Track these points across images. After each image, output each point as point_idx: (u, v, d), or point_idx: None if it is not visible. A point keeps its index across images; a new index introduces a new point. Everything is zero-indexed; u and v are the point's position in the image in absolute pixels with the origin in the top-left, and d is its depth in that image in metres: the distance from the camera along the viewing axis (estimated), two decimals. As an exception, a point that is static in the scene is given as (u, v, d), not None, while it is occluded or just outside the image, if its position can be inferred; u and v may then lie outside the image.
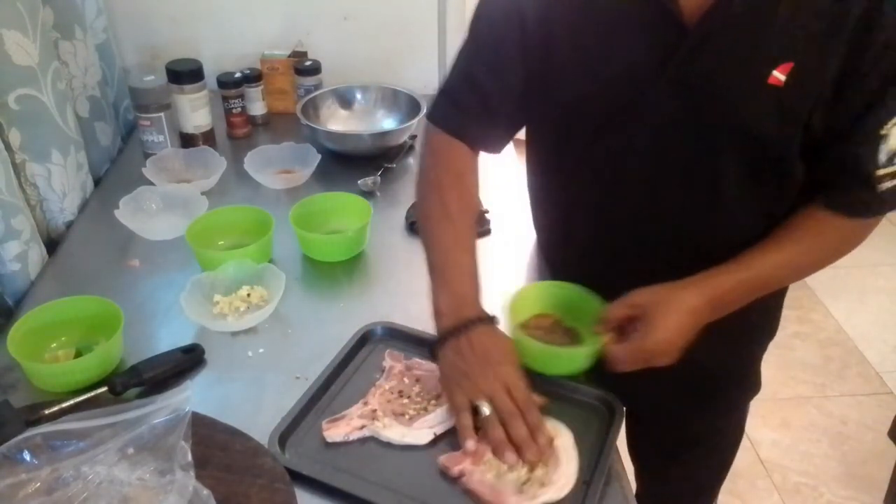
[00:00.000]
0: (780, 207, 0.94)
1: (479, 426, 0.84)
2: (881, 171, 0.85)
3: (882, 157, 0.84)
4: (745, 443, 2.15)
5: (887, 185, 0.85)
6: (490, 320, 0.90)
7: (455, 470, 0.81)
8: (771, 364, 2.38)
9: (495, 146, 1.03)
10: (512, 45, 0.92)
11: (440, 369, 0.90)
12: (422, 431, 0.86)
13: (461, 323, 0.87)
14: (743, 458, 2.12)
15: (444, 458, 0.82)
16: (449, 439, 0.86)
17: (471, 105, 0.98)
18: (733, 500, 2.00)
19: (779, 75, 0.81)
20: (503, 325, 0.93)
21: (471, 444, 0.82)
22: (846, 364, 2.46)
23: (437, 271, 0.93)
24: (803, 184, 0.93)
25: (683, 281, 0.89)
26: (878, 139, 0.83)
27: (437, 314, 0.90)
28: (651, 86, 0.86)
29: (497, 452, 0.82)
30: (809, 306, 2.68)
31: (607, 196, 0.99)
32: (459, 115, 0.99)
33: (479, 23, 0.96)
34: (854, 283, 2.79)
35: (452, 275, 0.92)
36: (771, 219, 0.94)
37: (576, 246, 1.10)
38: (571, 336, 0.98)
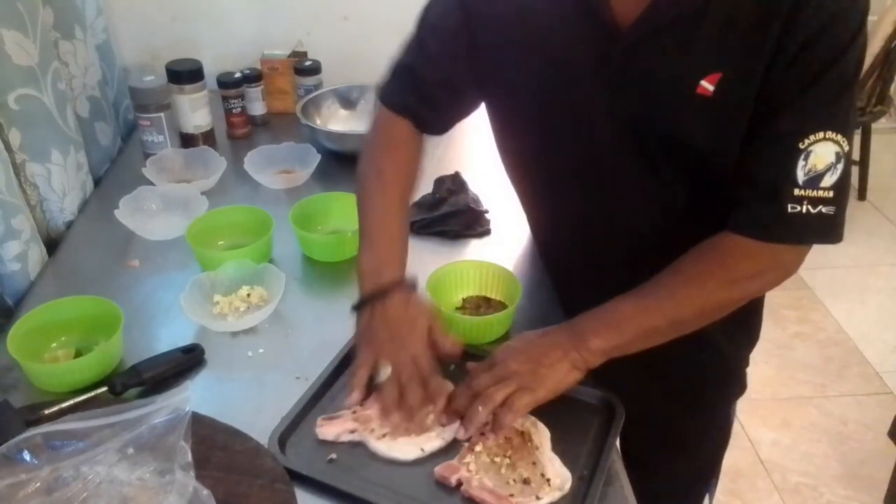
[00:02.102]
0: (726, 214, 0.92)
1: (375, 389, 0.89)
2: (799, 192, 0.79)
3: (800, 174, 0.79)
4: (745, 443, 2.16)
5: (803, 209, 0.79)
6: (408, 286, 0.92)
7: (453, 479, 0.80)
8: (771, 364, 2.41)
9: (435, 128, 1.04)
10: (454, 40, 0.95)
11: (356, 329, 0.93)
12: (409, 447, 0.85)
13: (380, 289, 0.90)
14: (743, 458, 2.12)
15: (439, 468, 0.82)
16: (437, 458, 0.84)
17: (409, 88, 1.01)
18: (733, 500, 2.00)
19: (707, 85, 0.81)
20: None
21: (355, 395, 0.88)
22: (846, 364, 2.46)
23: (364, 234, 0.96)
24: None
25: None
26: (796, 152, 0.79)
27: (360, 275, 0.93)
28: (587, 90, 0.87)
29: (385, 413, 0.86)
30: (809, 306, 2.68)
31: (559, 195, 1.01)
32: (400, 94, 1.02)
33: (426, 14, 0.99)
34: (854, 283, 2.79)
35: (378, 237, 0.95)
36: (720, 225, 0.92)
37: (546, 240, 1.14)
38: (496, 306, 1.08)
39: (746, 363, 1.18)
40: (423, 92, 1.00)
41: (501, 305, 1.07)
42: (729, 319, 0.90)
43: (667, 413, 1.16)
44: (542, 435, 0.85)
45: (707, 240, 0.87)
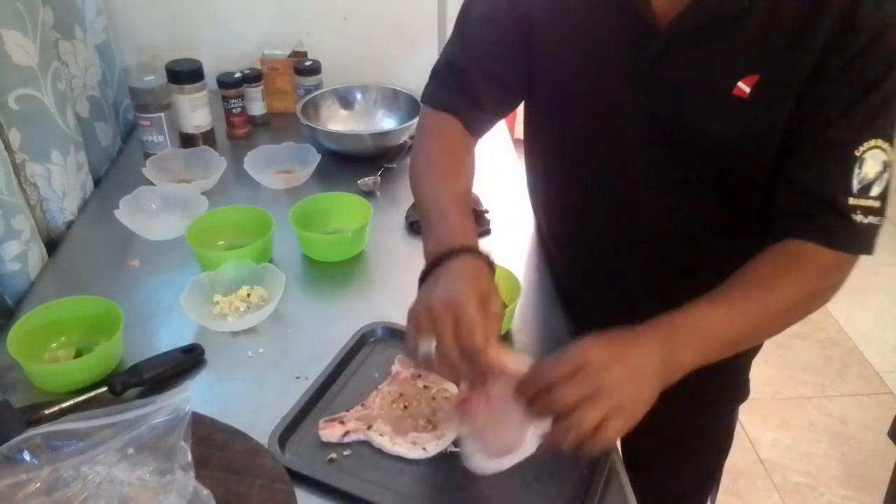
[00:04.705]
0: (755, 221, 0.91)
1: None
2: (853, 201, 0.78)
3: (854, 182, 0.78)
4: (745, 443, 2.16)
5: (857, 217, 0.79)
6: (481, 254, 0.79)
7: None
8: (771, 364, 2.41)
9: (478, 128, 1.00)
10: (499, 33, 0.94)
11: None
12: (413, 446, 0.85)
13: (443, 253, 0.77)
14: (743, 458, 2.12)
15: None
16: (441, 460, 0.84)
17: (455, 87, 0.98)
18: (733, 500, 2.00)
19: (744, 87, 0.80)
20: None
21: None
22: (846, 364, 2.46)
23: (425, 223, 0.86)
24: (770, 209, 0.86)
25: None
26: (853, 160, 0.78)
27: (426, 259, 0.81)
28: (622, 86, 0.87)
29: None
30: (809, 306, 2.67)
31: (583, 192, 1.01)
32: (446, 93, 0.99)
33: (468, 11, 0.98)
34: (854, 283, 2.74)
35: (442, 215, 0.85)
36: (746, 232, 0.91)
37: (567, 241, 1.12)
38: None
39: (748, 368, 1.18)
40: (470, 90, 0.97)
41: (501, 305, 1.06)
42: None
43: (668, 417, 1.16)
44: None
45: (777, 246, 0.83)
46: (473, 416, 0.76)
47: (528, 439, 0.75)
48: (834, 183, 0.79)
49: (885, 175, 0.79)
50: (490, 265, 0.80)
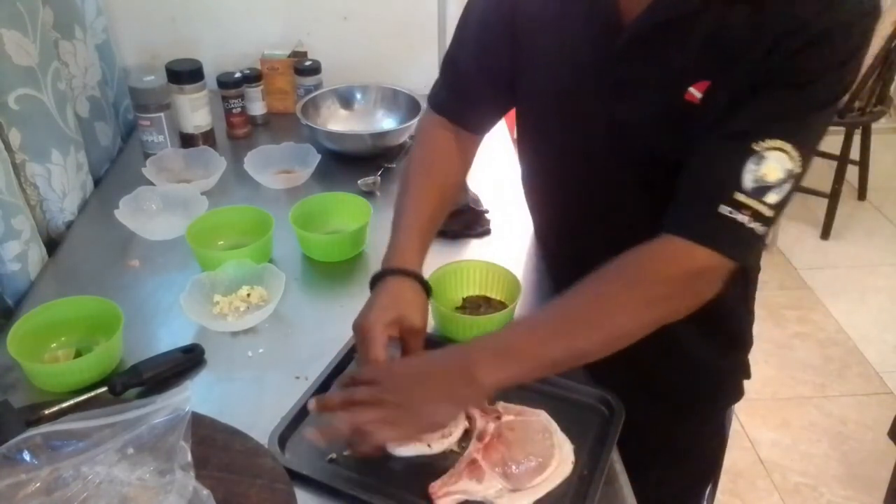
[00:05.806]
0: None
1: None
2: (740, 197, 0.73)
3: (747, 178, 0.73)
4: (745, 443, 2.17)
5: (738, 216, 0.73)
6: (405, 274, 0.90)
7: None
8: (771, 364, 2.41)
9: (479, 126, 1.05)
10: (494, 33, 0.96)
11: None
12: (417, 444, 0.84)
13: (381, 272, 0.91)
14: (743, 458, 2.12)
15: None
16: (443, 459, 0.84)
17: (453, 86, 1.02)
18: (733, 500, 2.00)
19: (695, 92, 0.79)
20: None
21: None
22: (846, 364, 2.46)
23: (391, 228, 0.97)
24: None
25: None
26: (748, 153, 0.73)
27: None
28: (588, 86, 0.88)
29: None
30: (809, 306, 2.68)
31: (572, 194, 1.01)
32: (443, 93, 1.03)
33: (468, 11, 1.00)
34: (854, 283, 2.79)
35: (393, 235, 0.96)
36: None
37: (561, 242, 1.13)
38: (496, 305, 1.08)
39: (742, 371, 1.17)
40: (461, 86, 1.01)
41: (501, 305, 1.07)
42: (703, 325, 0.88)
43: (657, 420, 1.16)
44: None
45: (623, 253, 0.80)
46: (494, 461, 0.81)
47: (556, 457, 0.82)
48: (722, 172, 0.75)
49: (787, 186, 0.74)
50: (421, 283, 0.91)
